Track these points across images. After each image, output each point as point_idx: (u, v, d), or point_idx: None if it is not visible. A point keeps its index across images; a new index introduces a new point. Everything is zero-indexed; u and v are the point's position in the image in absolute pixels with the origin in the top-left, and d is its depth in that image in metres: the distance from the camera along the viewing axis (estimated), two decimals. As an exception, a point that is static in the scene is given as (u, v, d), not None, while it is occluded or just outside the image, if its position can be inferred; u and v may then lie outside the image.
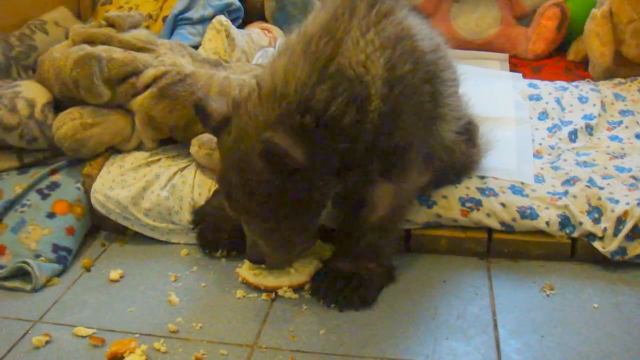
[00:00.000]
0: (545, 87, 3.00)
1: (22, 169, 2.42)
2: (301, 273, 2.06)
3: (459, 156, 2.19)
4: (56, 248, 2.20)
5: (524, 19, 3.58)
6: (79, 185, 2.36)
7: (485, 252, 2.20)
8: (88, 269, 2.20)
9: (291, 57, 1.80)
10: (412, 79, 1.84)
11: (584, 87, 3.00)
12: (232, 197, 1.85)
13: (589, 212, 2.17)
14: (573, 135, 2.63)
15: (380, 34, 1.82)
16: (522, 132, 2.62)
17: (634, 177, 2.30)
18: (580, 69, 3.32)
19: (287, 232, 1.88)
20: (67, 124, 2.31)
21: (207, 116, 1.88)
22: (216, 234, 2.20)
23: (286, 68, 1.79)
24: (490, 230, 2.20)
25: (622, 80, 3.07)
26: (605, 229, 2.11)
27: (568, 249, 2.16)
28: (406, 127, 1.86)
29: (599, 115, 2.77)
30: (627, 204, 2.13)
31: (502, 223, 2.17)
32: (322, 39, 1.79)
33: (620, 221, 2.10)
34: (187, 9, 3.08)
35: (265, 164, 1.73)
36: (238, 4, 3.24)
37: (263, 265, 2.04)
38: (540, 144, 2.58)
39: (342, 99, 1.74)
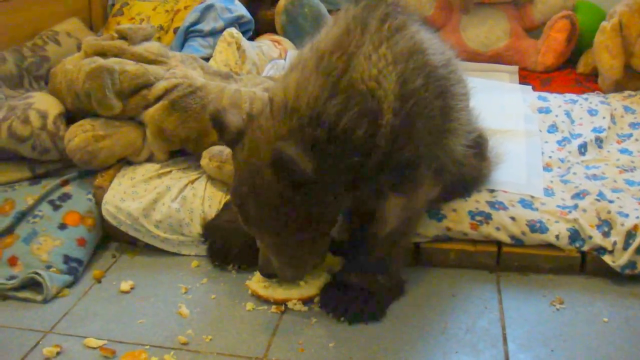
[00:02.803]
0: (555, 100, 3.01)
1: (34, 180, 2.44)
2: (311, 286, 2.07)
3: (468, 170, 2.19)
4: (67, 259, 2.21)
5: (534, 31, 3.59)
6: (90, 196, 2.37)
7: (495, 265, 2.20)
8: (99, 280, 2.21)
9: (303, 72, 1.81)
10: (423, 93, 1.85)
11: (593, 99, 3.00)
12: (244, 209, 1.86)
13: (598, 226, 2.17)
14: (583, 148, 2.63)
15: (393, 48, 1.83)
16: (531, 145, 2.62)
17: (643, 191, 2.30)
18: (590, 82, 3.32)
19: (297, 246, 1.89)
20: (78, 135, 2.33)
21: (224, 129, 1.89)
22: (227, 248, 2.20)
23: (298, 83, 1.80)
24: (499, 244, 2.20)
25: (632, 93, 3.08)
26: (615, 243, 2.11)
27: (578, 263, 2.16)
28: (417, 141, 1.86)
29: (609, 128, 2.77)
30: (637, 217, 2.13)
31: (512, 237, 2.17)
32: (334, 54, 1.80)
33: (630, 235, 2.10)
34: (198, 21, 3.10)
35: (275, 174, 1.73)
36: (249, 16, 3.25)
37: (274, 279, 2.06)
38: (550, 157, 2.58)
39: (353, 113, 1.75)
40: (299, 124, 1.75)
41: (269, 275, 2.00)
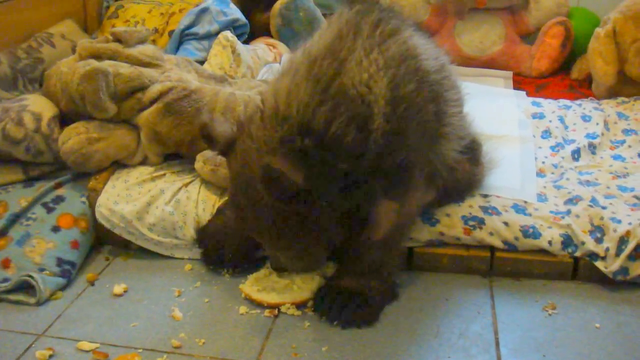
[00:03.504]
0: (549, 106, 3.02)
1: (28, 182, 2.43)
2: (304, 290, 2.07)
3: (461, 175, 2.19)
4: (60, 262, 2.21)
5: (528, 36, 3.60)
6: (83, 199, 2.37)
7: (488, 270, 2.21)
8: (92, 283, 2.21)
9: (294, 78, 1.81)
10: (415, 98, 1.84)
11: (587, 105, 3.01)
12: (243, 217, 1.87)
13: (591, 232, 2.17)
14: (576, 154, 2.63)
15: (384, 53, 1.82)
16: (525, 151, 2.63)
17: (636, 197, 2.30)
18: (583, 87, 3.34)
19: (300, 244, 1.89)
20: (72, 138, 2.33)
21: (213, 141, 1.90)
22: (221, 253, 2.20)
23: (289, 89, 1.79)
24: (492, 249, 2.20)
25: (626, 99, 3.09)
26: (607, 249, 2.11)
27: (570, 269, 2.16)
28: (409, 146, 1.86)
29: (602, 134, 2.78)
30: (630, 223, 2.13)
31: (505, 242, 2.18)
32: (326, 60, 1.80)
33: (622, 241, 2.10)
34: (193, 24, 3.09)
35: (265, 190, 1.74)
36: (244, 19, 3.25)
37: (269, 281, 2.09)
38: (544, 163, 2.58)
39: (343, 119, 1.74)
40: (289, 132, 1.75)
41: (279, 269, 2.03)
